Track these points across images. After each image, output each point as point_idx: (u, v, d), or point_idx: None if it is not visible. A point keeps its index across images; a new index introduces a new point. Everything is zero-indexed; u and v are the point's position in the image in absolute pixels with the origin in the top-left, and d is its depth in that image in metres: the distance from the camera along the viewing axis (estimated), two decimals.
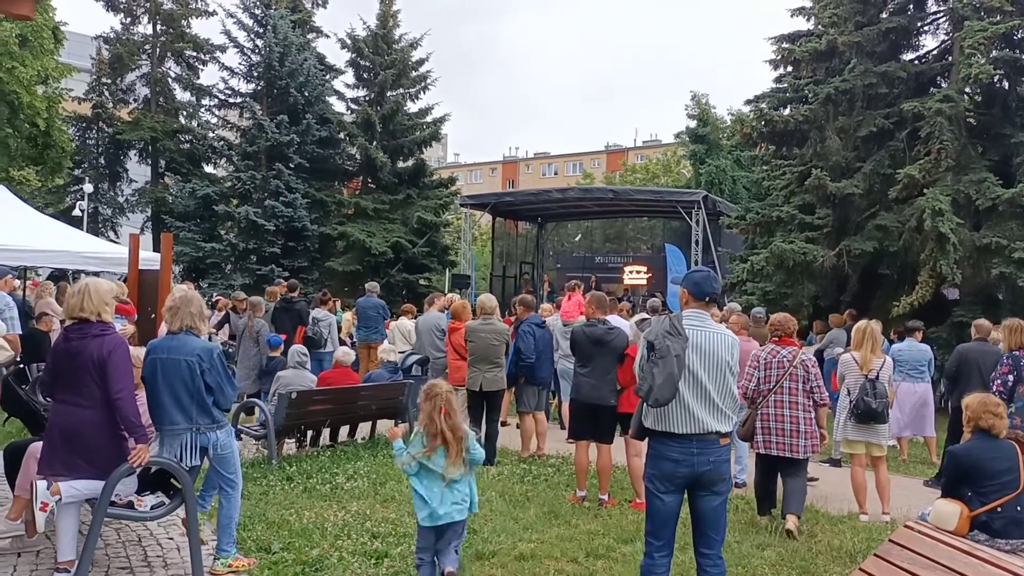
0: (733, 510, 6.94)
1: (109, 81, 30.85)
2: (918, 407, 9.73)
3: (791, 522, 6.26)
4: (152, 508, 4.66)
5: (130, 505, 4.60)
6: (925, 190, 13.45)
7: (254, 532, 5.48)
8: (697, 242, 19.71)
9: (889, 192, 14.33)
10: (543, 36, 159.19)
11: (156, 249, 17.53)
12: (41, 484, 4.33)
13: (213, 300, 15.17)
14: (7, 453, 5.39)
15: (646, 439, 4.26)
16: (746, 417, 6.69)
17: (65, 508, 4.36)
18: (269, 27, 26.85)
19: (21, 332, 8.01)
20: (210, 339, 10.38)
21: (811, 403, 6.54)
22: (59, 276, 19.18)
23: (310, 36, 29.92)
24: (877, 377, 7.05)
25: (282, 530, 5.58)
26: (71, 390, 4.48)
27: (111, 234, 30.94)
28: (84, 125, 30.78)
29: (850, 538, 6.22)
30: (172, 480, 4.81)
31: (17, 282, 12.28)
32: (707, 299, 4.21)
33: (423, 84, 28.64)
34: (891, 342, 11.44)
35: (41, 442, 4.67)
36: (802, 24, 19.28)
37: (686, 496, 4.17)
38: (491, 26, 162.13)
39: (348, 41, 28.09)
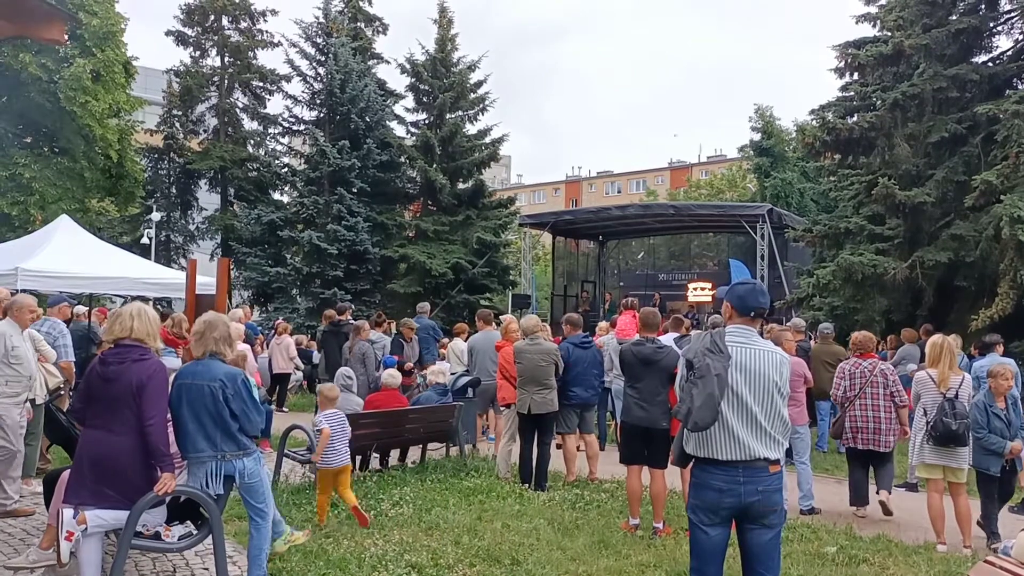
0: (798, 539, 6.53)
1: (180, 113, 31.84)
2: None
3: (883, 495, 7.51)
4: (180, 539, 4.54)
5: (157, 536, 4.48)
6: (1003, 196, 12.72)
7: (289, 563, 5.32)
8: (763, 257, 19.13)
9: (964, 200, 13.63)
10: (605, 55, 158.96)
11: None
12: (67, 512, 4.25)
13: (273, 324, 15.25)
14: (45, 481, 5.37)
15: (690, 466, 3.96)
16: (837, 419, 7.80)
17: (89, 539, 4.26)
18: (330, 55, 27.34)
19: (75, 359, 8.08)
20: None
21: (892, 405, 7.45)
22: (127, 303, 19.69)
23: (371, 63, 30.34)
24: (956, 396, 6.59)
25: (318, 560, 5.41)
26: (105, 416, 4.39)
27: (182, 261, 31.76)
28: (156, 156, 31.82)
29: (925, 571, 5.77)
30: (202, 509, 4.69)
31: (82, 308, 12.55)
32: (752, 314, 3.89)
33: (481, 106, 28.73)
34: (971, 357, 10.79)
35: None
36: (867, 31, 18.67)
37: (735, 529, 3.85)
38: (554, 48, 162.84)
39: (407, 66, 28.39)
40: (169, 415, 4.54)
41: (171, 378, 4.64)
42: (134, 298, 12.01)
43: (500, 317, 10.49)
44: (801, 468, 7.77)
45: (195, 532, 4.61)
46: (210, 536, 4.64)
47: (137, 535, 4.38)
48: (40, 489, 7.02)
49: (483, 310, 11.16)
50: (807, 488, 7.73)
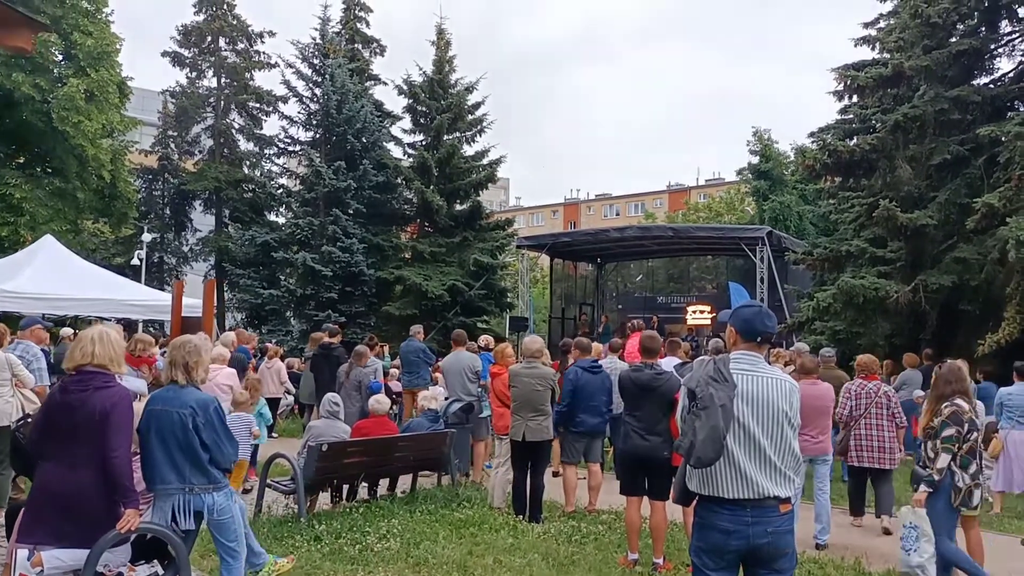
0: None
1: (175, 133, 31.72)
2: None
3: (884, 521, 7.80)
4: None
5: None
6: (1007, 219, 12.49)
7: None
8: (762, 280, 18.89)
9: (966, 222, 13.40)
10: (603, 78, 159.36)
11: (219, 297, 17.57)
12: (21, 553, 3.94)
13: (262, 347, 14.93)
14: (7, 514, 5.05)
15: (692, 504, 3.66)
16: (842, 437, 8.00)
17: None
18: (327, 76, 27.20)
19: (50, 383, 7.78)
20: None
21: (894, 425, 7.81)
22: (126, 325, 19.35)
23: (368, 84, 30.24)
24: None
25: None
26: (64, 448, 4.09)
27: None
28: (151, 177, 31.66)
29: None
30: (169, 548, 4.37)
31: (69, 331, 12.22)
32: (759, 339, 3.60)
33: (479, 127, 28.52)
34: (976, 382, 10.50)
35: None
36: (866, 54, 18.58)
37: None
38: (552, 71, 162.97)
39: (405, 87, 28.22)
40: (135, 447, 4.24)
41: (137, 403, 4.35)
42: (118, 321, 11.75)
43: (482, 339, 10.12)
44: (822, 499, 7.42)
45: (161, 572, 4.30)
46: None
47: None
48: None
49: (458, 331, 10.73)
50: (827, 520, 7.38)
